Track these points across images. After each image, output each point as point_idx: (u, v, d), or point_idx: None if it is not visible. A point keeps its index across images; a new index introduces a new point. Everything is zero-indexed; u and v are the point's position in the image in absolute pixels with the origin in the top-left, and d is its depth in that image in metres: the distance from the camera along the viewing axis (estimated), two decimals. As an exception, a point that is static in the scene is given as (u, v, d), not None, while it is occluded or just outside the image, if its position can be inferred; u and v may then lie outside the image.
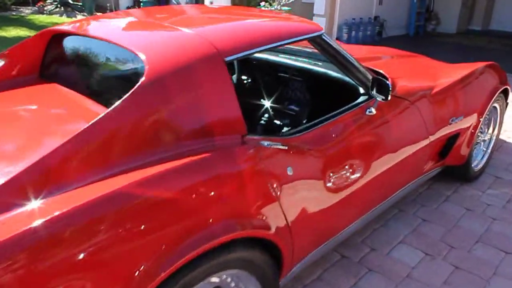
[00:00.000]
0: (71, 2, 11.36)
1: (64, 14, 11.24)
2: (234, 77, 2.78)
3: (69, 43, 2.13)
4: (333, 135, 1.91)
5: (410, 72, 2.93)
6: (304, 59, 2.79)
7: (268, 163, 1.58)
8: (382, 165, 2.25)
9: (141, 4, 10.73)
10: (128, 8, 11.31)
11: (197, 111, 1.46)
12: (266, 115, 2.89)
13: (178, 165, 1.34)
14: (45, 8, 11.35)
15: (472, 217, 2.91)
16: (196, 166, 1.38)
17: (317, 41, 1.98)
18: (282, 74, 2.91)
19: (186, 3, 9.08)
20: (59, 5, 11.36)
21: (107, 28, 1.98)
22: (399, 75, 2.66)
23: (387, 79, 2.45)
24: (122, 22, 2.01)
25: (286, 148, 1.67)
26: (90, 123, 1.28)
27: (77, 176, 1.22)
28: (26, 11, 11.70)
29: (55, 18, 10.56)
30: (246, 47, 1.63)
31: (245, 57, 1.64)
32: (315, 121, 1.91)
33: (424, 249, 2.57)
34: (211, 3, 8.20)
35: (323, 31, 1.99)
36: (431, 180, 3.27)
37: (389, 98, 2.01)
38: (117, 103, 1.32)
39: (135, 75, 1.55)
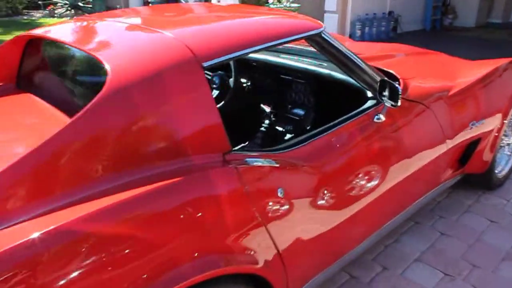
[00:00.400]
0: (81, 4, 11.33)
1: (75, 17, 11.21)
2: (231, 80, 2.56)
3: (43, 49, 1.94)
4: (336, 147, 1.68)
5: (425, 71, 2.67)
6: (308, 60, 2.55)
7: (254, 185, 1.36)
8: (392, 178, 2.00)
9: (150, 4, 10.60)
10: (137, 9, 11.18)
11: (168, 127, 1.25)
12: (267, 121, 2.66)
13: (143, 192, 1.14)
14: (56, 12, 11.35)
15: (497, 230, 2.63)
16: (165, 192, 1.17)
17: (316, 40, 1.75)
18: (284, 76, 2.68)
19: (195, 1, 8.89)
20: (69, 8, 11.34)
21: (79, 33, 1.78)
22: (413, 75, 2.40)
23: (397, 80, 2.20)
24: (98, 25, 1.81)
25: (278, 165, 1.44)
26: (36, 146, 1.08)
27: (15, 210, 1.03)
28: (37, 15, 11.72)
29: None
30: (228, 49, 1.41)
31: (228, 60, 1.43)
32: (313, 131, 1.68)
33: (442, 268, 2.31)
34: (219, 1, 7.99)
35: (322, 29, 1.75)
36: (450, 188, 3.00)
37: (399, 103, 1.77)
38: (69, 121, 1.12)
39: (100, 86, 1.35)
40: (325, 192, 1.61)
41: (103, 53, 1.40)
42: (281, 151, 1.52)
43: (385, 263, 2.36)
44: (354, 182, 1.77)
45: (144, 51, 1.38)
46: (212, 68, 2.84)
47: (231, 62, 2.53)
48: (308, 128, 2.54)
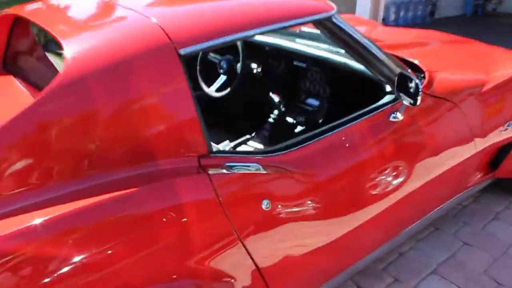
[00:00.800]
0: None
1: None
2: (239, 65, 2.36)
3: (25, 29, 1.79)
4: (341, 150, 1.46)
5: (457, 62, 2.38)
6: (327, 46, 2.32)
7: (233, 196, 1.17)
8: (409, 185, 1.78)
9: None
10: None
11: (131, 125, 1.07)
12: (276, 111, 2.46)
13: (89, 204, 0.96)
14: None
15: (528, 243, 2.36)
16: (118, 204, 1.00)
17: (326, 25, 1.52)
18: (298, 63, 2.46)
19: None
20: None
21: (50, 11, 1.60)
22: (443, 67, 2.13)
23: (422, 72, 1.94)
24: (75, 4, 1.62)
25: (265, 172, 1.24)
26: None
27: None
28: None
29: None
30: (214, 33, 1.21)
31: (213, 47, 1.23)
32: (314, 131, 1.46)
33: (462, 284, 2.08)
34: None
35: (334, 12, 1.52)
36: (478, 191, 2.72)
37: (418, 102, 1.53)
38: (13, 114, 0.96)
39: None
40: (328, 201, 1.40)
41: (65, 34, 1.22)
42: (271, 154, 1.31)
43: (398, 274, 2.14)
44: (363, 190, 1.56)
45: (111, 34, 1.20)
46: (220, 50, 2.67)
47: (239, 45, 2.32)
48: (320, 121, 2.32)
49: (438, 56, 2.48)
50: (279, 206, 1.26)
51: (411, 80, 1.53)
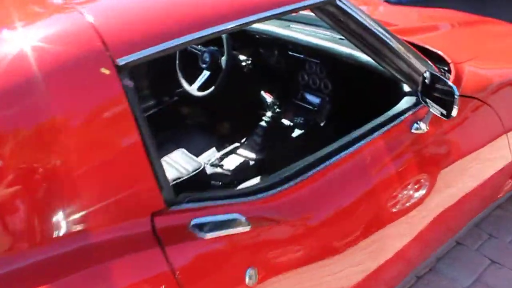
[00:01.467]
0: None
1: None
2: (224, 59, 1.98)
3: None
4: (351, 182, 1.10)
5: (483, 50, 1.99)
6: (327, 33, 1.93)
7: (199, 271, 0.81)
8: (435, 209, 1.44)
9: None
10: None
11: (44, 176, 0.71)
12: (269, 113, 2.09)
13: None
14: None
15: None
16: None
17: (328, 10, 1.14)
18: (295, 54, 2.08)
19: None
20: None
21: None
22: (468, 57, 1.75)
23: (447, 68, 1.57)
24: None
25: (249, 228, 0.88)
26: None
27: None
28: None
29: None
30: (166, 35, 0.84)
31: (167, 52, 0.86)
32: (311, 159, 1.09)
33: (493, 317, 1.75)
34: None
35: (337, -6, 1.14)
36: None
37: (455, 113, 1.15)
38: None
39: None
40: (340, 259, 1.05)
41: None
42: (260, 196, 0.94)
43: (416, 304, 1.82)
44: (382, 224, 1.21)
45: (22, 37, 0.82)
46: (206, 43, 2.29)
47: (223, 36, 1.94)
48: (322, 124, 1.96)
49: (458, 42, 2.10)
50: (270, 272, 0.90)
51: (443, 82, 1.16)
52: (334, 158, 1.10)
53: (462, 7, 3.23)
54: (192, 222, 0.83)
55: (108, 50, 0.80)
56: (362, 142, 1.16)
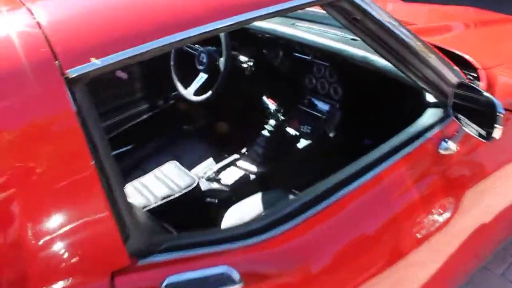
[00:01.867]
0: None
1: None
2: (222, 60, 1.79)
3: None
4: (368, 217, 0.90)
5: (510, 52, 1.78)
6: (337, 32, 1.73)
7: None
8: (462, 235, 1.23)
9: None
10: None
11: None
12: (273, 121, 1.89)
13: None
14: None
15: None
16: None
17: (341, 6, 0.94)
18: (301, 56, 1.89)
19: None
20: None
21: None
22: (496, 62, 1.54)
23: (475, 71, 1.36)
24: None
25: (240, 286, 0.69)
26: None
27: None
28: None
29: None
30: (133, 39, 0.65)
31: (129, 61, 0.67)
32: (318, 189, 0.89)
33: None
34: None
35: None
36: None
37: (498, 135, 0.95)
38: None
39: None
40: None
41: None
42: (254, 241, 0.74)
43: None
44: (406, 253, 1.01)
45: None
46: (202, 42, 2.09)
47: (221, 34, 1.75)
48: (331, 134, 1.76)
49: (483, 44, 1.88)
50: None
51: (480, 95, 0.96)
52: (347, 188, 0.89)
53: (479, 4, 3.01)
54: (165, 282, 0.64)
55: (58, 60, 0.61)
56: (381, 167, 0.96)
